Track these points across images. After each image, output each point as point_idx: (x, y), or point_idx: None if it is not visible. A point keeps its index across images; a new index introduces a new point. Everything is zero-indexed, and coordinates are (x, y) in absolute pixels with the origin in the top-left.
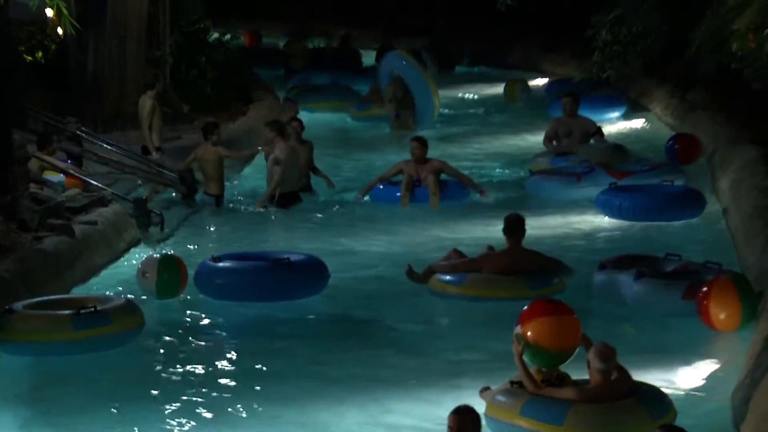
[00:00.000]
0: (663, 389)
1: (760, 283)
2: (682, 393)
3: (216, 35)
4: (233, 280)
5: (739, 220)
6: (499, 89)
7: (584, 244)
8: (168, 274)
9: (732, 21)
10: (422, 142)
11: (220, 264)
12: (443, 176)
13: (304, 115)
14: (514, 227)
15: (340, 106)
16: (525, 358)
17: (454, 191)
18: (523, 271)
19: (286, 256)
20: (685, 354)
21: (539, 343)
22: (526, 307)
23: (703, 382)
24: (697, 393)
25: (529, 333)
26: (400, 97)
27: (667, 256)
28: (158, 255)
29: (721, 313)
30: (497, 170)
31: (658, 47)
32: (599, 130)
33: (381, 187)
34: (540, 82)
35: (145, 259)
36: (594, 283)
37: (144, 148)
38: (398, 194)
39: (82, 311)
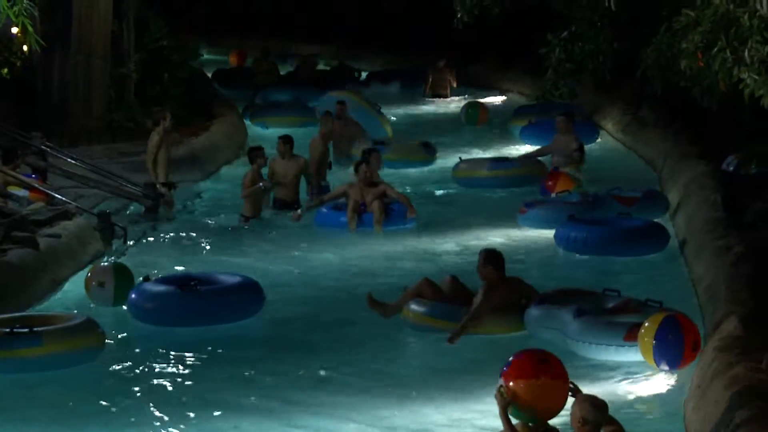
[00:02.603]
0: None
1: (708, 294)
2: (636, 403)
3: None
4: (147, 303)
5: (689, 234)
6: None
7: (536, 275)
8: (123, 281)
9: (681, 40)
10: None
11: (143, 286)
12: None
13: (257, 131)
14: (501, 259)
15: (294, 121)
16: (510, 412)
17: (399, 216)
18: (517, 301)
19: (194, 282)
20: (637, 366)
21: (526, 401)
22: (512, 359)
23: (656, 392)
24: (650, 403)
25: (512, 385)
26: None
27: (605, 292)
28: (106, 264)
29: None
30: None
31: (609, 65)
32: (580, 147)
33: (325, 210)
34: (492, 100)
35: (96, 270)
36: (529, 318)
37: (149, 185)
38: (342, 219)
39: (15, 330)
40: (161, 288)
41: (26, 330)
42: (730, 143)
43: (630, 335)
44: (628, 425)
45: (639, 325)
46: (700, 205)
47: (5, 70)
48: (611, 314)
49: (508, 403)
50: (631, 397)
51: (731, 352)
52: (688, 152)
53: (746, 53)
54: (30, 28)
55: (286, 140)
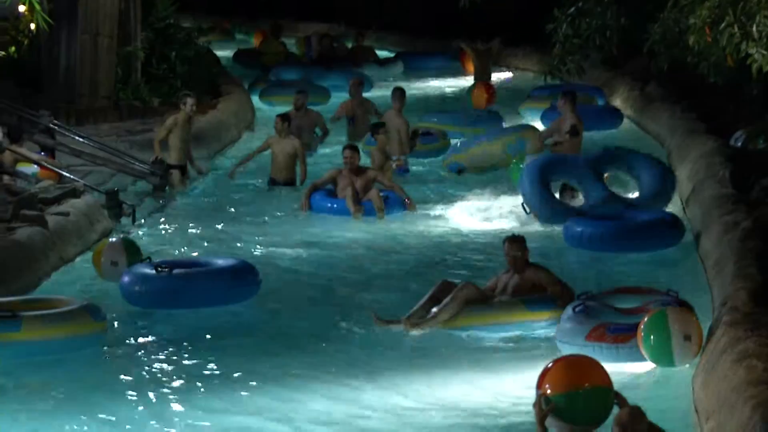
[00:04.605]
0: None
1: (716, 269)
2: (643, 379)
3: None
4: (129, 285)
5: (697, 210)
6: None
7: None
8: (134, 258)
9: (689, 15)
10: (355, 150)
11: (132, 268)
12: (377, 185)
13: (266, 109)
14: None
15: None
16: (553, 419)
17: (394, 204)
18: None
19: (166, 266)
20: None
21: (559, 389)
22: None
23: (663, 367)
24: (657, 379)
25: (547, 386)
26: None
27: (668, 292)
28: (114, 241)
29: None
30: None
31: (617, 41)
32: (571, 128)
33: (318, 196)
34: (501, 77)
35: (107, 248)
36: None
37: (157, 163)
38: (333, 205)
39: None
40: (142, 270)
41: (8, 314)
42: (738, 119)
43: (591, 335)
44: (636, 401)
45: (604, 326)
46: (708, 180)
47: (12, 49)
48: (610, 314)
49: (545, 415)
50: (639, 373)
51: (740, 327)
52: (696, 128)
53: (754, 28)
54: (37, 6)
55: (284, 118)
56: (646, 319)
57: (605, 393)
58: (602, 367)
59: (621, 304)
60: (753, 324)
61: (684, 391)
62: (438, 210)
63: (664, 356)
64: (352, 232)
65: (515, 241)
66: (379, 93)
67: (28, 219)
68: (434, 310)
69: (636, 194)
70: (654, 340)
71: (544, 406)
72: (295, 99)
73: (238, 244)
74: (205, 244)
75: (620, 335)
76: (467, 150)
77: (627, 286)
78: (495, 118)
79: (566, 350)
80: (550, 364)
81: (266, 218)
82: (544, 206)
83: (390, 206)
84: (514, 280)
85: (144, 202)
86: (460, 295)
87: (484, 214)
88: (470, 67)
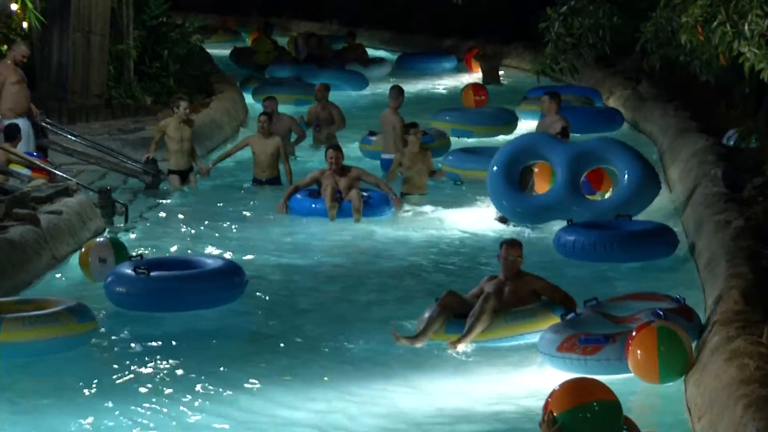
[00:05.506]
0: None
1: (709, 269)
2: (636, 378)
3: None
4: (110, 285)
5: (689, 209)
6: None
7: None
8: (122, 257)
9: (681, 14)
10: (339, 150)
11: (116, 267)
12: (363, 185)
13: (257, 108)
14: None
15: (295, 99)
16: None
17: (378, 204)
18: None
19: (144, 267)
20: None
21: (565, 406)
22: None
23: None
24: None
25: (554, 406)
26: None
27: (677, 298)
28: (101, 240)
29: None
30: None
31: (609, 40)
32: (563, 130)
33: (299, 197)
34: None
35: (94, 246)
36: None
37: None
38: (314, 205)
39: None
40: (123, 271)
41: None
42: (730, 117)
43: (562, 346)
44: (629, 401)
45: (575, 336)
46: (699, 179)
47: (5, 48)
48: (597, 324)
49: (557, 429)
50: (631, 372)
51: (731, 326)
52: (688, 127)
53: (746, 27)
54: (30, 5)
55: (269, 117)
56: (656, 346)
57: (614, 407)
58: (607, 386)
59: (625, 312)
60: (745, 323)
61: (676, 388)
62: (429, 211)
63: (680, 375)
64: (338, 233)
65: (514, 245)
66: (366, 92)
67: (21, 217)
68: (467, 324)
69: (612, 193)
70: (677, 365)
71: (552, 425)
72: (264, 106)
73: (227, 244)
74: (195, 243)
75: (589, 347)
76: (465, 170)
77: (638, 292)
78: (509, 115)
79: (543, 360)
80: (556, 386)
81: (255, 218)
82: (509, 206)
83: (375, 206)
84: (509, 287)
85: (136, 200)
86: (488, 306)
87: (476, 218)
88: (476, 69)
